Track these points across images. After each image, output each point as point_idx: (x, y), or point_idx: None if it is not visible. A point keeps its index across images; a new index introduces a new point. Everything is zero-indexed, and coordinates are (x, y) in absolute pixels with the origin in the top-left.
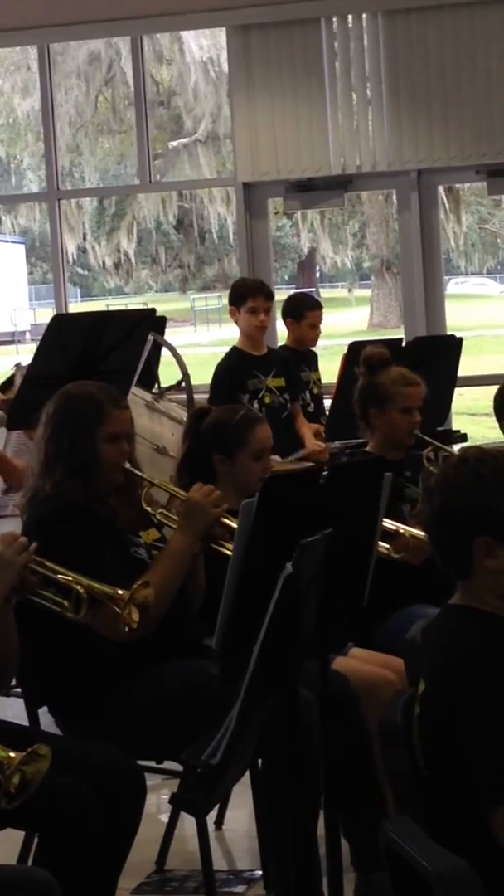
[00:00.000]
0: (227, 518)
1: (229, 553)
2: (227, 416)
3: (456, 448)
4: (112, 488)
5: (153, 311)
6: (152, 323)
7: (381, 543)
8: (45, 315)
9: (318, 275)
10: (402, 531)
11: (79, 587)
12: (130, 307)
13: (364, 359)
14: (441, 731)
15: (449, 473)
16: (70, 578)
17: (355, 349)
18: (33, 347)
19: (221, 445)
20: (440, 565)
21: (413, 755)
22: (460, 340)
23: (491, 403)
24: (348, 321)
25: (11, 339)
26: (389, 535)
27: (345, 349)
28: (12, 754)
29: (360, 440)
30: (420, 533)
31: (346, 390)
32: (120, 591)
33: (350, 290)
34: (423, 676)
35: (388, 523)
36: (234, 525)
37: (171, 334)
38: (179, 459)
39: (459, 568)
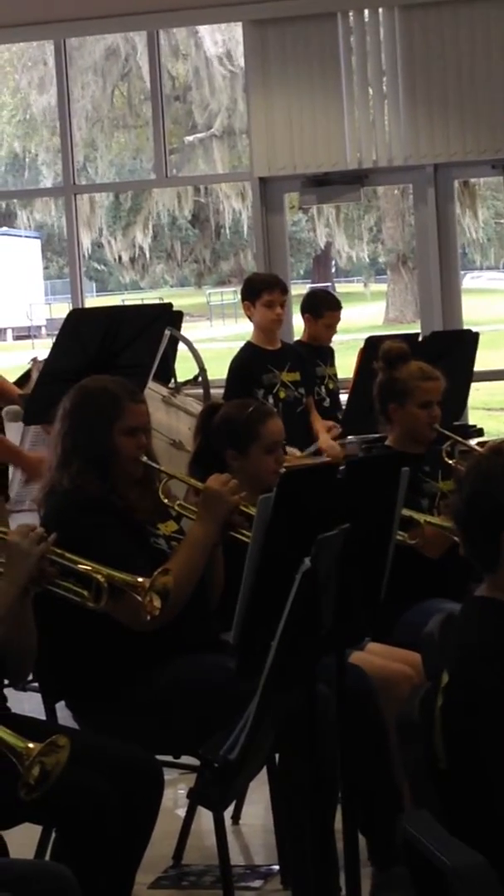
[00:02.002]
0: (246, 506)
1: (248, 540)
2: (238, 411)
3: (473, 442)
4: (130, 481)
5: (170, 305)
6: (169, 318)
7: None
8: (61, 310)
9: (333, 269)
10: (421, 520)
11: (99, 576)
12: (146, 302)
13: (383, 353)
14: (463, 725)
15: (481, 465)
16: (90, 568)
17: (372, 344)
18: (49, 342)
19: (233, 440)
20: (468, 556)
21: (431, 750)
22: (477, 335)
23: None
24: (364, 316)
25: (27, 333)
26: (406, 523)
27: (361, 344)
28: (31, 745)
29: (377, 435)
30: (438, 520)
31: (363, 385)
32: (140, 579)
33: (366, 285)
34: (447, 668)
35: (410, 513)
36: (253, 512)
37: (186, 329)
38: (192, 455)
39: (486, 560)
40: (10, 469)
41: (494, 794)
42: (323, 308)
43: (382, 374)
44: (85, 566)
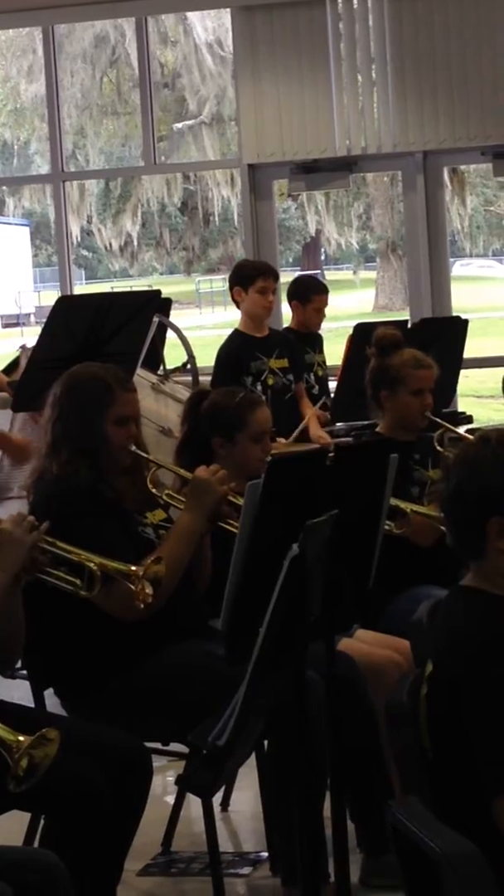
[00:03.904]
0: (234, 496)
1: (236, 531)
2: (225, 398)
3: (462, 430)
4: (119, 470)
5: (158, 292)
6: (158, 305)
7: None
8: (50, 297)
9: (323, 257)
10: (407, 509)
11: (91, 564)
12: (135, 289)
13: (376, 340)
14: (447, 714)
15: (468, 453)
16: (82, 556)
17: (361, 331)
18: (38, 330)
19: (220, 428)
20: (454, 545)
21: (419, 736)
22: (466, 322)
23: (496, 385)
24: (353, 303)
25: (16, 321)
26: (394, 513)
27: (350, 331)
28: (21, 738)
29: (366, 422)
30: (425, 510)
31: (352, 372)
32: (133, 567)
33: (355, 272)
34: (431, 658)
35: (397, 502)
36: (241, 502)
37: (175, 316)
38: (178, 442)
39: (472, 548)
40: None
41: (480, 781)
42: (310, 292)
43: (375, 361)
44: (77, 554)
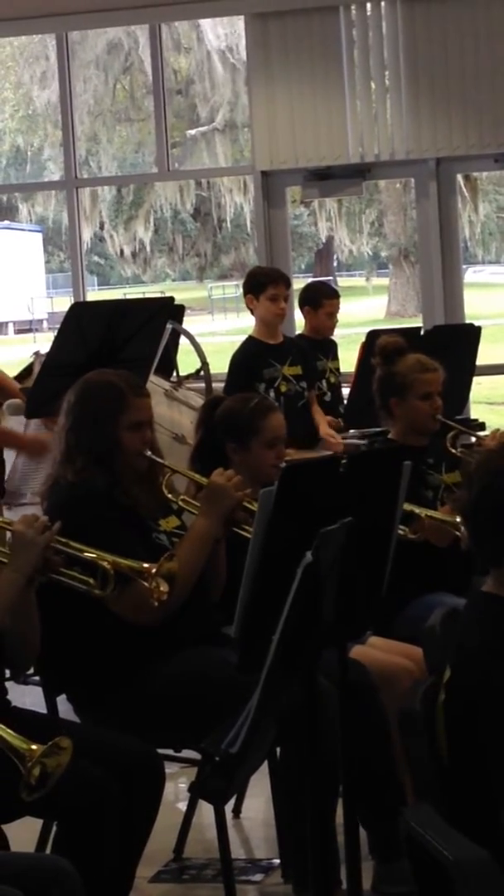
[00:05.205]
0: (249, 502)
1: (251, 536)
2: (239, 404)
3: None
4: (134, 476)
5: (172, 299)
6: (171, 311)
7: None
8: (63, 303)
9: (335, 263)
10: (420, 513)
11: (104, 563)
12: (148, 296)
13: (379, 349)
14: (465, 720)
15: (490, 460)
16: (95, 555)
17: (374, 338)
18: (51, 336)
19: (234, 434)
20: (474, 551)
21: (434, 744)
22: (479, 329)
23: None
24: (366, 310)
25: (29, 327)
26: (408, 517)
27: (363, 338)
28: (34, 747)
29: (379, 429)
30: (440, 514)
31: (365, 379)
32: (146, 565)
33: (368, 279)
34: (450, 664)
35: (411, 507)
36: (255, 508)
37: (187, 323)
38: (193, 449)
39: (493, 555)
40: (9, 465)
41: (495, 789)
42: (321, 297)
43: (381, 370)
44: (90, 553)
